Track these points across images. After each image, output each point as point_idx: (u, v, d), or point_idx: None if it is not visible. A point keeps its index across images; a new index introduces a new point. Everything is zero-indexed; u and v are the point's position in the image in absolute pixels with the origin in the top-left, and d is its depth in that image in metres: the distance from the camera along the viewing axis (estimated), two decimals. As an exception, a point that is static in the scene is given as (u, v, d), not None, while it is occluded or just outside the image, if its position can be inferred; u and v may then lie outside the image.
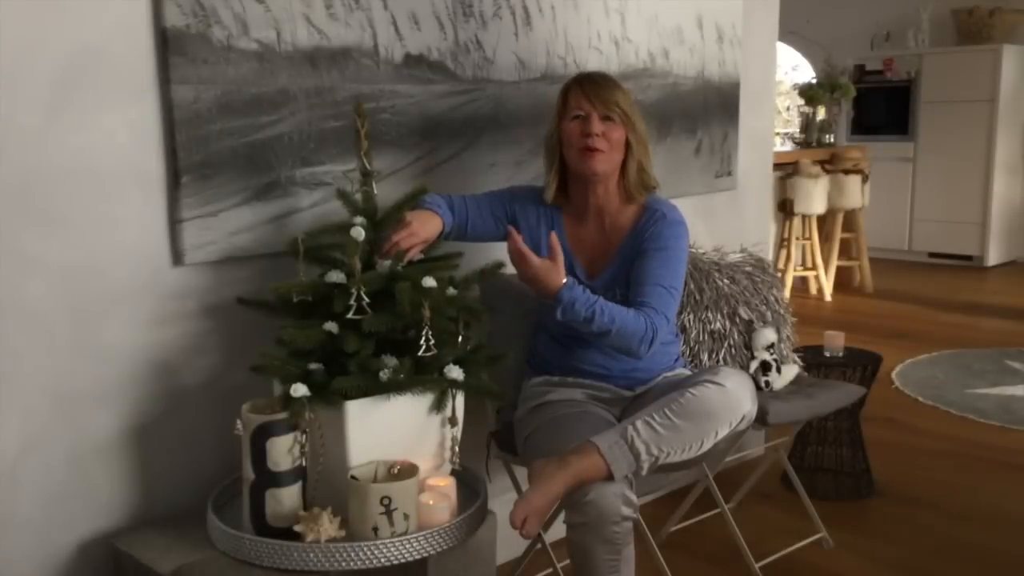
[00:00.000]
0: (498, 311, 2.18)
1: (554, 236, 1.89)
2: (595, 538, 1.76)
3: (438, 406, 1.77)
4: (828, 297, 6.02)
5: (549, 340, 2.14)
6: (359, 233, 1.77)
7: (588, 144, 1.98)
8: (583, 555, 1.79)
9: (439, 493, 1.75)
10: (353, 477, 1.69)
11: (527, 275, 1.86)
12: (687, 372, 2.15)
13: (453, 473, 1.84)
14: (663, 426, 1.81)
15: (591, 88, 2.01)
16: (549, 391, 2.08)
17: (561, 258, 1.87)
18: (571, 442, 1.82)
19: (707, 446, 1.87)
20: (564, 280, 1.85)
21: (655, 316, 1.93)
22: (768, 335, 2.50)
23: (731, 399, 1.86)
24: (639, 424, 1.81)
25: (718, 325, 2.49)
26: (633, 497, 1.78)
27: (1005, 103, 6.97)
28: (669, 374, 2.12)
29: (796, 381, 2.56)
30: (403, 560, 1.65)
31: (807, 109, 6.56)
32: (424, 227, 1.90)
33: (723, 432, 1.87)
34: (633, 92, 2.20)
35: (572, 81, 2.06)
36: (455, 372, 1.77)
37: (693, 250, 2.48)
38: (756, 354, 2.50)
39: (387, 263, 1.82)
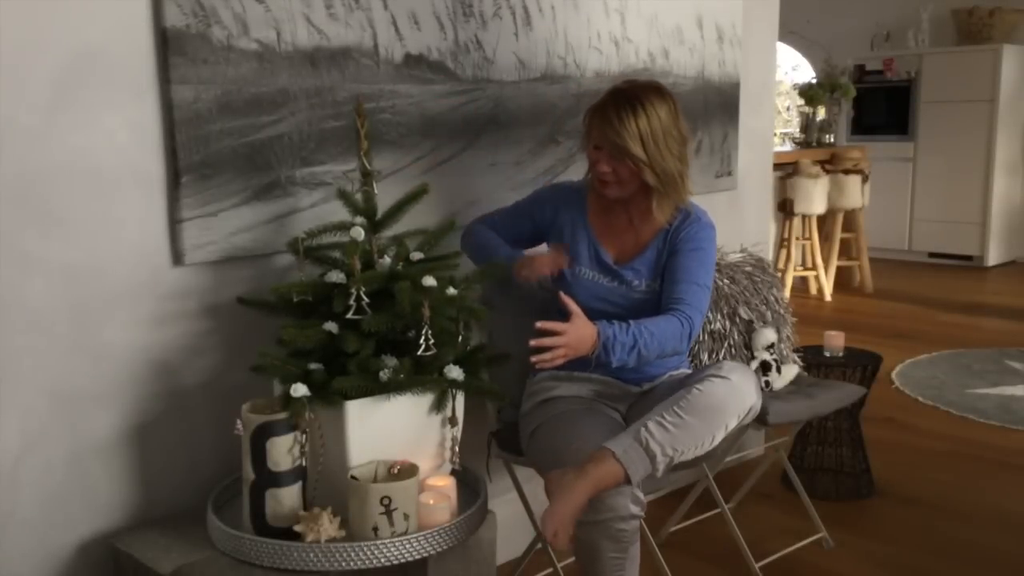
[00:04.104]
0: (500, 310, 2.18)
1: (563, 296, 1.92)
2: (603, 536, 1.76)
3: (438, 406, 1.77)
4: (828, 297, 6.02)
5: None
6: (359, 233, 1.78)
7: (600, 177, 2.01)
8: (590, 552, 1.79)
9: (439, 493, 1.75)
10: (353, 477, 1.69)
11: (564, 343, 1.83)
12: (690, 371, 2.15)
13: (453, 473, 1.84)
14: (674, 424, 1.82)
15: (607, 125, 1.95)
16: (556, 386, 2.09)
17: (579, 310, 1.88)
18: (575, 439, 1.83)
19: (718, 440, 1.88)
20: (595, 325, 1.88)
21: (690, 310, 1.98)
22: (768, 335, 2.50)
23: (737, 392, 1.87)
24: (651, 425, 1.81)
25: (718, 325, 2.49)
26: (641, 496, 1.79)
27: (1005, 103, 6.97)
28: (675, 372, 2.13)
29: (796, 381, 2.56)
30: (403, 560, 1.65)
31: (807, 109, 6.56)
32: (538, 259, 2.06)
33: (732, 425, 1.88)
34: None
35: (597, 106, 2.00)
36: (455, 372, 1.77)
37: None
38: (756, 354, 2.50)
39: (387, 262, 1.82)
